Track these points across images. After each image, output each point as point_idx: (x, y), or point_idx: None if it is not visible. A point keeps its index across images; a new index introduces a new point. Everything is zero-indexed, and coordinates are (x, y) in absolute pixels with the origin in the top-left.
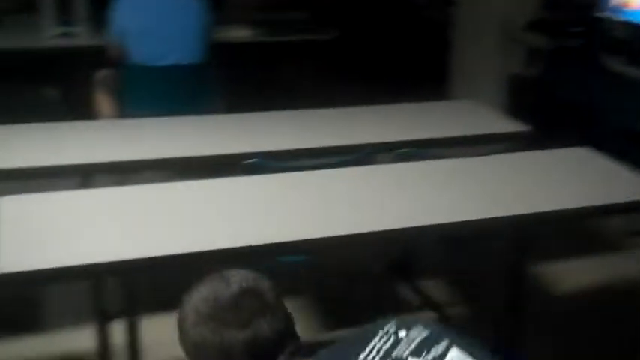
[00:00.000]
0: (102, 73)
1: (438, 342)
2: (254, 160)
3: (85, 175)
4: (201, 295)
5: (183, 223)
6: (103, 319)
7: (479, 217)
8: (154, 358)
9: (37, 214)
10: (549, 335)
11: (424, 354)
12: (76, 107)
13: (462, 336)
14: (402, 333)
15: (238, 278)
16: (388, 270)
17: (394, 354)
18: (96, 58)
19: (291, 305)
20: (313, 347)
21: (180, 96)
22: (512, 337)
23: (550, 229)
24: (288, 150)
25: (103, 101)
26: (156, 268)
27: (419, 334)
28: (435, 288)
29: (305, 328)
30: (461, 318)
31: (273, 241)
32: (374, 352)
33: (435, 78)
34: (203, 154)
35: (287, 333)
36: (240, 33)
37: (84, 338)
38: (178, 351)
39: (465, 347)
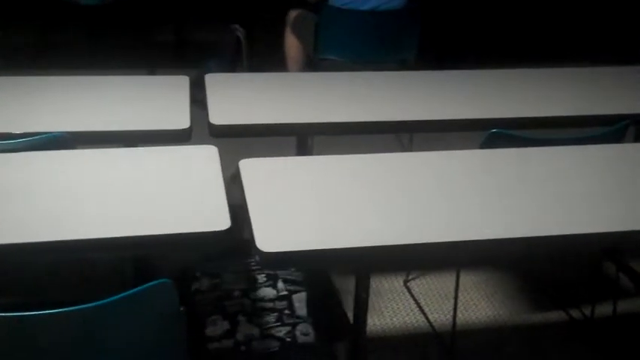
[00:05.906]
0: (294, 14)
1: None
2: (494, 129)
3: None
4: None
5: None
6: None
7: None
8: None
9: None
10: None
11: None
12: (260, 48)
13: None
14: None
15: None
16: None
17: None
18: None
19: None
20: None
21: (378, 43)
22: None
23: None
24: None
25: (293, 43)
26: None
27: None
28: None
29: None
30: None
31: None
32: None
33: None
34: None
35: None
36: None
37: None
38: None
39: None
